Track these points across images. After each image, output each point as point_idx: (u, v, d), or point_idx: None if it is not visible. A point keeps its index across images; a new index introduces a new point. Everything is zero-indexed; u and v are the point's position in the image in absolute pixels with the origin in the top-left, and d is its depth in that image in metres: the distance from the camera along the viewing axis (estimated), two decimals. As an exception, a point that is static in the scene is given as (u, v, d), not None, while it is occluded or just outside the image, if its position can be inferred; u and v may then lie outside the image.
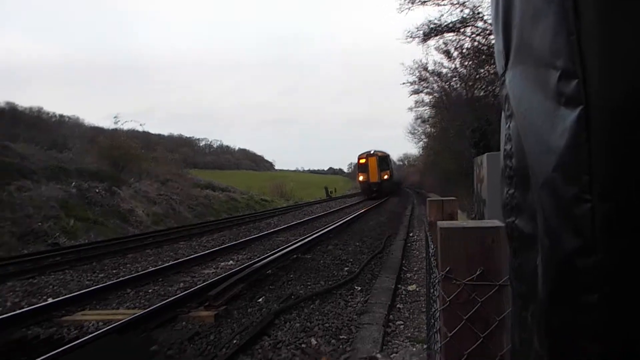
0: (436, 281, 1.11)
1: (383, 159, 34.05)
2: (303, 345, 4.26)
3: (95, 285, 6.54)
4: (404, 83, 28.21)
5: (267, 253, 8.53)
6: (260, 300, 5.55)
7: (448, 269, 1.01)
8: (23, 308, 5.48)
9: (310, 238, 10.27)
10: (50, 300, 5.73)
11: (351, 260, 8.33)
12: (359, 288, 6.32)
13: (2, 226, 11.32)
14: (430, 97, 31.89)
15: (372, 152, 34.25)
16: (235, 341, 4.23)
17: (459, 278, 1.00)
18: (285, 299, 5.55)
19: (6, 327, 4.59)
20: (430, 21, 18.75)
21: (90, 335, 4.09)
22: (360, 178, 34.45)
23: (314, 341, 4.41)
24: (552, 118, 0.44)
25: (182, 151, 59.65)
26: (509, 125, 0.59)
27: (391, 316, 5.36)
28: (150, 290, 6.41)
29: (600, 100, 0.40)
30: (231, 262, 8.52)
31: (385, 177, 33.66)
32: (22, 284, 7.12)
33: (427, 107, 35.18)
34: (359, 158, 34.54)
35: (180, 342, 4.22)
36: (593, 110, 0.41)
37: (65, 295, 5.99)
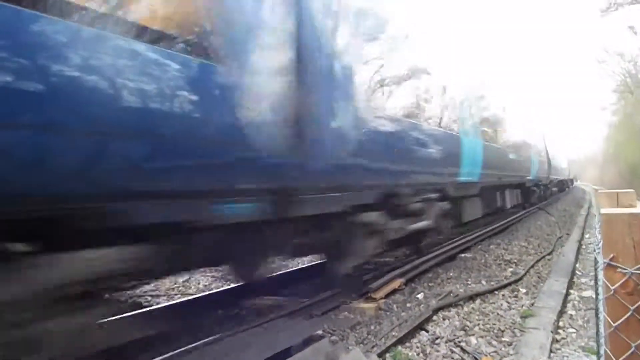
0: (599, 269, 1.08)
1: None
2: (462, 344, 4.21)
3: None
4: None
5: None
6: (419, 296, 5.60)
7: (612, 256, 0.98)
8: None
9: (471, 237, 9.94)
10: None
11: (516, 261, 7.88)
12: (524, 290, 5.97)
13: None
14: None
15: None
16: (394, 333, 4.36)
17: (625, 266, 0.97)
18: (444, 297, 5.51)
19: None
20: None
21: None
22: None
23: (474, 340, 4.32)
24: None
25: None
26: None
27: (561, 322, 4.98)
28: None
29: None
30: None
31: None
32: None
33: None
34: None
35: (343, 329, 4.49)
36: None
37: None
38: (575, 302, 5.75)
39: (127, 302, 4.98)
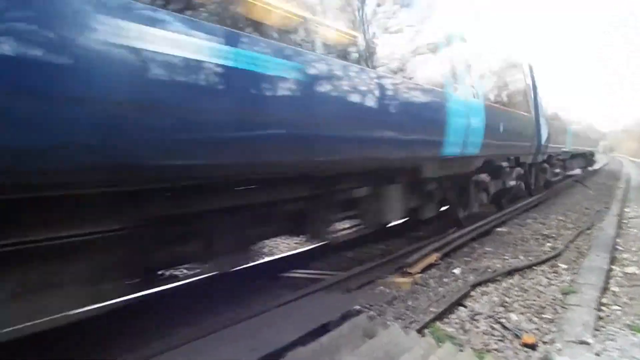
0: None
1: None
2: (502, 320, 4.13)
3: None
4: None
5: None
6: (455, 271, 5.51)
7: None
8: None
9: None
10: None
11: (554, 235, 7.68)
12: (564, 266, 5.82)
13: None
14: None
15: None
16: (432, 309, 4.30)
17: None
18: (482, 272, 5.41)
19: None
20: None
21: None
22: None
23: (514, 317, 4.24)
24: None
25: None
26: None
27: (604, 299, 4.83)
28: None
29: None
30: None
31: None
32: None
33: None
34: None
35: (380, 304, 4.46)
36: None
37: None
38: (618, 279, 5.57)
39: (164, 275, 5.07)
